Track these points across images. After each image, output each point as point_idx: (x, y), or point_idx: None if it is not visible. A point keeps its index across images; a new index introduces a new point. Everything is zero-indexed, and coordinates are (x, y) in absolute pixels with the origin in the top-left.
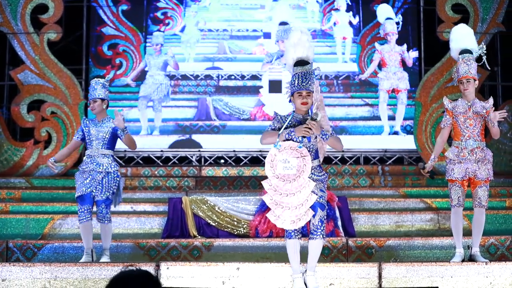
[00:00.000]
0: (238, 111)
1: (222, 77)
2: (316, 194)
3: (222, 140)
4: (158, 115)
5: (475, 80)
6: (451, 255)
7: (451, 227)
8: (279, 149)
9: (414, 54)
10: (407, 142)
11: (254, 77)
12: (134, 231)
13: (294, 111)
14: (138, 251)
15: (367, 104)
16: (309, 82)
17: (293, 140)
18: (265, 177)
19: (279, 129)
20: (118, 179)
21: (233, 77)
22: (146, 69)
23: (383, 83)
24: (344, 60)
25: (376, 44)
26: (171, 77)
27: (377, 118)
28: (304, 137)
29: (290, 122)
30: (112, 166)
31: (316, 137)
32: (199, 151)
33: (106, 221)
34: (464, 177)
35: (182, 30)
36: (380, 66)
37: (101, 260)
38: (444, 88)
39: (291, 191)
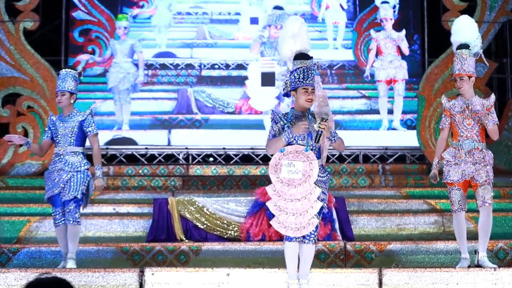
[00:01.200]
0: (222, 103)
1: (204, 66)
2: (322, 200)
3: (206, 135)
4: (126, 108)
5: (470, 77)
6: (456, 260)
7: (454, 231)
8: (284, 152)
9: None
10: (409, 139)
11: (240, 67)
12: (116, 234)
13: (293, 108)
14: (120, 256)
15: (363, 97)
16: (313, 78)
17: (295, 140)
18: (257, 177)
19: (281, 129)
20: (88, 178)
21: (216, 66)
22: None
23: (379, 73)
24: (335, 46)
25: (372, 32)
26: (148, 66)
27: (375, 111)
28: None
29: (290, 121)
30: (82, 165)
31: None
32: (186, 148)
33: (72, 222)
34: (460, 180)
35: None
36: (377, 54)
37: (67, 266)
38: (449, 81)
39: (296, 196)
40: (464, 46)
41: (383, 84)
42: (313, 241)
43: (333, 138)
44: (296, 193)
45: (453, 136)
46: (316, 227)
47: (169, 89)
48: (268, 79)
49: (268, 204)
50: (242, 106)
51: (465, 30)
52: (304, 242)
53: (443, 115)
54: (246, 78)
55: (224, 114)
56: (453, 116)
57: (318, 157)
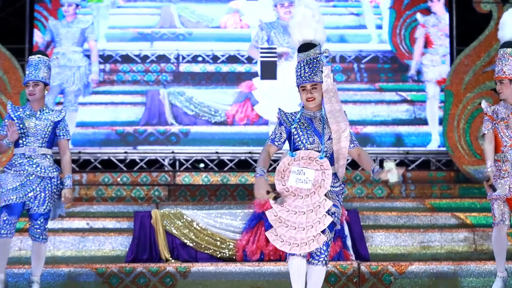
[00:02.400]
0: (208, 110)
1: (183, 58)
2: (334, 215)
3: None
4: (70, 117)
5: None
6: (490, 283)
7: (492, 247)
8: (295, 157)
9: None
10: (434, 142)
11: (233, 59)
12: (90, 253)
13: (303, 107)
14: (96, 279)
15: (405, 101)
16: (315, 71)
17: (303, 145)
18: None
19: (286, 134)
20: (61, 186)
21: (200, 58)
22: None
23: (427, 70)
24: (380, 39)
25: (419, 16)
26: (106, 58)
27: (421, 121)
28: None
29: (299, 122)
30: (54, 170)
31: (330, 138)
32: (172, 152)
33: (43, 240)
34: (508, 194)
35: None
36: (425, 45)
37: None
38: (481, 74)
39: (302, 208)
40: (509, 44)
41: (433, 85)
42: (324, 262)
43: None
44: (303, 205)
45: (496, 147)
46: (327, 245)
47: (134, 90)
48: (269, 70)
49: (267, 213)
50: (236, 114)
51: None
52: (313, 263)
53: (484, 120)
54: (240, 74)
55: (211, 125)
56: (497, 123)
57: (332, 163)
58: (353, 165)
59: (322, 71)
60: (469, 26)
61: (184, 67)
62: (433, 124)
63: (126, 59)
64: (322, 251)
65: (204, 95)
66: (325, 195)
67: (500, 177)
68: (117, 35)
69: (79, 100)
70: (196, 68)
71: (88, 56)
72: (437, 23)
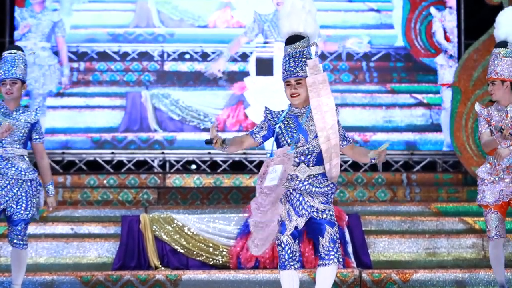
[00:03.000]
0: (197, 115)
1: (168, 56)
2: (322, 213)
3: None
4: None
5: (504, 81)
6: None
7: (490, 262)
8: (273, 158)
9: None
10: (440, 142)
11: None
12: (75, 260)
13: (290, 104)
14: None
15: (420, 104)
16: (300, 66)
17: (285, 141)
18: (251, 188)
19: (268, 129)
20: (40, 188)
21: (187, 56)
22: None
23: (443, 72)
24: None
25: (432, 10)
26: (80, 55)
27: (440, 127)
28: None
29: (284, 120)
30: (33, 172)
31: (317, 136)
32: (162, 153)
33: (23, 246)
34: (497, 201)
35: None
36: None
37: None
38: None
39: (263, 207)
40: (503, 44)
41: (449, 89)
42: (334, 259)
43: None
44: (265, 203)
45: (489, 150)
46: (333, 241)
47: (113, 92)
48: (264, 67)
49: (249, 221)
50: (227, 119)
51: (508, 23)
52: (324, 265)
53: (479, 120)
54: (233, 74)
55: (199, 132)
56: (490, 126)
57: (321, 162)
58: (354, 166)
59: (307, 66)
60: (478, 19)
61: (169, 66)
62: (447, 132)
63: (103, 56)
64: (330, 248)
65: (192, 97)
66: (310, 196)
67: (490, 182)
68: (81, 36)
69: (49, 103)
70: (183, 67)
71: (75, 54)
72: (453, 19)
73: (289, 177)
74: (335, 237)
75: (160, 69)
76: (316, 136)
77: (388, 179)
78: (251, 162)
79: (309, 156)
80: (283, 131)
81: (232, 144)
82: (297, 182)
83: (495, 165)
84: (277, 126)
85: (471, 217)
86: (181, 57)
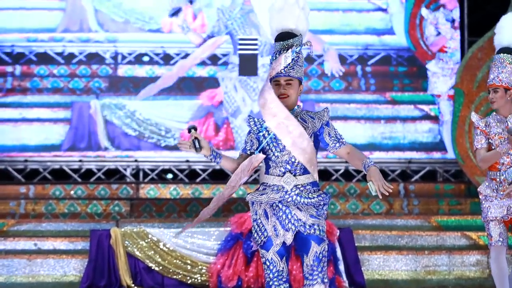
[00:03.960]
0: (157, 129)
1: (123, 58)
2: (310, 227)
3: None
4: None
5: (507, 89)
6: None
7: (492, 275)
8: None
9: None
10: (444, 131)
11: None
12: (39, 279)
13: None
14: None
15: (427, 117)
16: (292, 64)
17: (271, 151)
18: (233, 200)
19: (257, 142)
20: None
21: (146, 58)
22: None
23: (437, 80)
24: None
25: (424, 11)
26: (16, 58)
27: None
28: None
29: (267, 128)
30: None
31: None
32: (135, 161)
33: None
34: (505, 217)
35: None
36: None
37: None
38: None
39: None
40: (507, 50)
41: (446, 101)
42: (320, 280)
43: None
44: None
45: (491, 165)
46: (318, 260)
47: (55, 102)
48: (249, 65)
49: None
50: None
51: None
52: (308, 285)
53: (475, 133)
54: (202, 80)
55: (161, 150)
56: (491, 138)
57: (307, 170)
58: (346, 176)
59: (301, 66)
60: (483, 14)
61: (124, 70)
62: (450, 148)
63: (44, 58)
64: (315, 267)
65: (151, 108)
66: (297, 208)
67: (497, 198)
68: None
69: None
70: (141, 71)
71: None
72: (449, 21)
73: (275, 188)
74: (320, 255)
75: (113, 74)
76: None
77: None
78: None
79: (295, 164)
80: (267, 138)
81: (226, 159)
82: (283, 193)
83: (500, 181)
84: (260, 134)
85: (475, 232)
86: (138, 59)
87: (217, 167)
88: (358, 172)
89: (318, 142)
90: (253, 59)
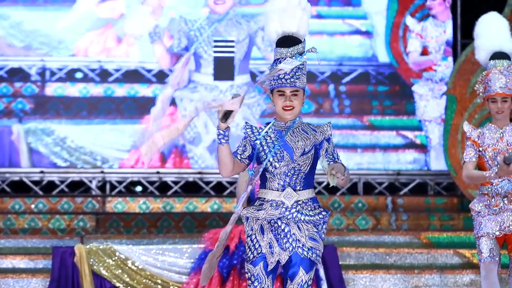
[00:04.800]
0: (92, 159)
1: (52, 74)
2: (309, 251)
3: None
4: None
5: None
6: None
7: None
8: (251, 177)
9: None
10: (432, 160)
11: (134, 76)
12: None
13: (275, 118)
14: None
15: (411, 145)
16: (298, 74)
17: (269, 162)
18: (207, 214)
19: (251, 148)
20: None
21: (80, 74)
22: None
23: (425, 105)
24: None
25: (409, 19)
26: None
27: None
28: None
29: (266, 135)
30: None
31: (305, 153)
32: (102, 172)
33: None
34: (498, 233)
35: None
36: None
37: None
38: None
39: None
40: (504, 56)
41: (437, 126)
42: None
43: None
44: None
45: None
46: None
47: None
48: (225, 68)
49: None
50: (135, 165)
51: (497, 32)
52: None
53: (467, 145)
54: (145, 101)
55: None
56: (483, 150)
57: (310, 185)
58: (330, 189)
59: (305, 74)
60: (477, 13)
61: (53, 89)
62: (440, 150)
63: None
64: None
65: (85, 134)
66: (298, 227)
67: (490, 214)
68: None
69: None
70: (73, 90)
71: None
72: (436, 31)
73: (274, 204)
74: (305, 285)
75: (39, 93)
76: (303, 153)
77: (370, 204)
78: (207, 183)
79: (295, 177)
80: (264, 147)
81: (229, 148)
82: (283, 209)
83: (493, 195)
84: (257, 141)
85: (469, 250)
86: (70, 76)
87: (190, 179)
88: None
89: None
90: (229, 62)
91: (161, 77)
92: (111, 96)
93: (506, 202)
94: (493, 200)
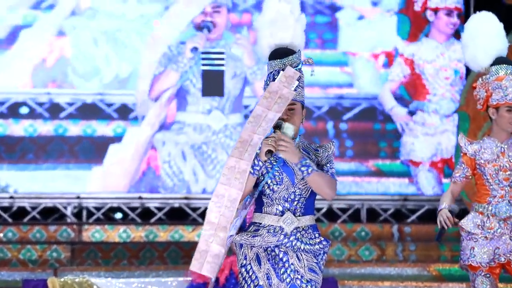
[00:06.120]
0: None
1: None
2: (308, 283)
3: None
4: None
5: None
6: None
7: None
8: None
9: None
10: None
11: (92, 112)
12: None
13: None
14: None
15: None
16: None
17: (267, 185)
18: (194, 244)
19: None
20: None
21: (25, 109)
22: None
23: (419, 148)
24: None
25: (400, 43)
26: None
27: None
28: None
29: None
30: None
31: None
32: (78, 197)
33: None
34: (492, 262)
35: None
36: (410, 96)
37: None
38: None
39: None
40: (506, 61)
41: (428, 171)
42: None
43: (305, 169)
44: None
45: (479, 196)
46: None
47: None
48: (214, 83)
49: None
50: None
51: (495, 34)
52: None
53: (460, 163)
54: (106, 141)
55: (108, 185)
56: (481, 166)
57: (310, 211)
58: (329, 215)
59: (303, 87)
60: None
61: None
62: None
63: None
64: None
65: (32, 182)
66: (297, 256)
67: (483, 237)
68: None
69: None
70: (17, 128)
71: None
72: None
73: (272, 230)
74: None
75: None
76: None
77: (374, 233)
78: (194, 209)
79: (295, 202)
80: (263, 169)
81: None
82: (282, 236)
83: (488, 216)
84: (256, 167)
85: None
86: (13, 111)
87: (176, 204)
88: (344, 211)
89: None
90: (219, 77)
91: (123, 112)
92: (63, 136)
93: (502, 225)
94: (488, 221)
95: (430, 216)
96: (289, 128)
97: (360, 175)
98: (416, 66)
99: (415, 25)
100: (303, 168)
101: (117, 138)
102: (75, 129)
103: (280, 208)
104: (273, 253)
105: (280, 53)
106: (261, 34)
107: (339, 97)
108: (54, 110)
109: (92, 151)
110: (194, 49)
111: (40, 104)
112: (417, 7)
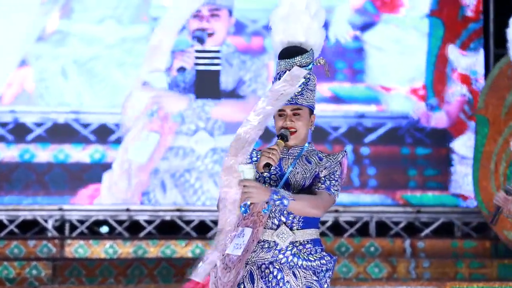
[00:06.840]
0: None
1: None
2: None
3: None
4: None
5: None
6: None
7: None
8: (246, 215)
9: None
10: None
11: (67, 134)
12: None
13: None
14: None
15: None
16: (301, 90)
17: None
18: (187, 261)
19: None
20: None
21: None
22: None
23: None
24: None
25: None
26: None
27: None
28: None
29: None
30: None
31: (304, 188)
32: (60, 209)
33: None
34: None
35: None
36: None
37: None
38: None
39: (229, 285)
40: None
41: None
42: None
43: (277, 199)
44: (229, 279)
45: None
46: None
47: None
48: (208, 83)
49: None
50: None
51: None
52: None
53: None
54: (84, 169)
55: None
56: None
57: (311, 224)
58: (335, 229)
59: (312, 91)
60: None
61: None
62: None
63: None
64: None
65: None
66: (293, 273)
67: None
68: None
69: None
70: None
71: None
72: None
73: (266, 245)
74: None
75: None
76: (303, 187)
77: (384, 248)
78: (187, 222)
79: (291, 215)
80: (260, 178)
81: None
82: (276, 252)
83: None
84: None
85: None
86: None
87: (167, 217)
88: (351, 224)
89: None
90: (214, 77)
91: (102, 134)
92: (30, 162)
93: None
94: None
95: (446, 230)
96: (248, 173)
97: (386, 205)
98: None
99: None
100: (277, 202)
101: (94, 165)
102: (44, 154)
103: (276, 221)
104: (267, 270)
105: (290, 53)
106: (274, 29)
107: (360, 115)
108: (19, 132)
109: (64, 180)
110: (182, 69)
111: (3, 125)
112: None
